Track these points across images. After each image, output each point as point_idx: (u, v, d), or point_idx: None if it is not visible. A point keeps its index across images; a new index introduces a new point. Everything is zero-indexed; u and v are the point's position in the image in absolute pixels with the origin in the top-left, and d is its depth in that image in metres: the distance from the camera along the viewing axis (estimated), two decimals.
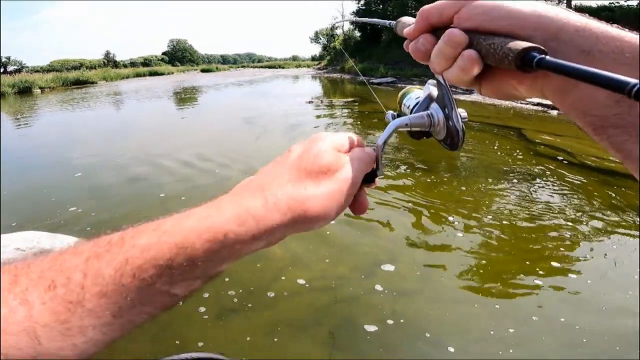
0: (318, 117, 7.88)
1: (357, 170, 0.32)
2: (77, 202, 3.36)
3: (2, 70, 38.39)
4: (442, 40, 0.28)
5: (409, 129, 0.37)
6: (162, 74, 42.49)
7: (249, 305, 1.91)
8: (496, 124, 6.36)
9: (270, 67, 56.28)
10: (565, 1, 14.92)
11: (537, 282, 2.05)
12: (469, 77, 0.29)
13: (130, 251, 0.24)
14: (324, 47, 39.83)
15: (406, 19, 0.38)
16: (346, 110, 8.90)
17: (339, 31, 35.45)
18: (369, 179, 0.35)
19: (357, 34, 30.87)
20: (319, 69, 35.29)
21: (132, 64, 55.55)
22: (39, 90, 21.87)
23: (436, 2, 0.31)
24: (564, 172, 3.81)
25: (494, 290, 2.01)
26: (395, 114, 0.40)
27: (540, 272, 2.14)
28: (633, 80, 0.17)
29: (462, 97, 10.39)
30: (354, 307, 1.89)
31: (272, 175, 0.31)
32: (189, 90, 17.68)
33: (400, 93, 0.43)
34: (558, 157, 4.31)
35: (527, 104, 9.11)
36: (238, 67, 65.95)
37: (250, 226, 0.26)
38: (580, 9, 14.49)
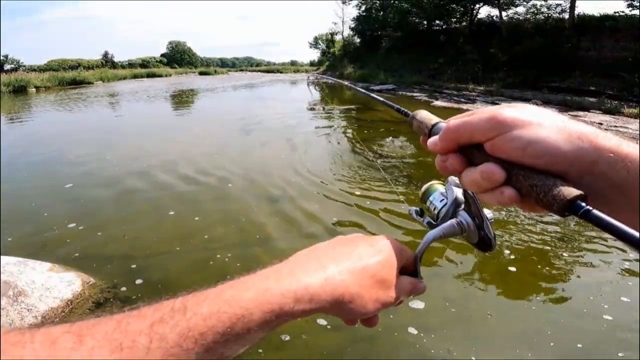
0: (317, 127, 7.59)
1: (398, 296, 0.35)
2: (62, 221, 3.02)
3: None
4: (479, 173, 0.28)
5: (443, 238, 0.38)
6: (159, 75, 42.15)
7: (260, 350, 1.64)
8: None
9: (268, 71, 56.16)
10: (568, 10, 14.82)
11: None
12: (503, 205, 0.29)
13: (193, 319, 0.26)
14: (323, 53, 39.75)
15: (424, 116, 0.37)
16: (345, 119, 8.66)
17: (338, 37, 35.40)
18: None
19: (357, 40, 30.77)
20: (318, 74, 35.13)
21: (131, 64, 55.13)
22: (34, 90, 21.47)
23: (466, 121, 0.29)
24: None
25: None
26: (418, 209, 0.42)
27: None
28: None
29: (465, 107, 10.18)
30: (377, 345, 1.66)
31: (332, 256, 0.33)
32: (185, 93, 17.37)
33: (424, 189, 0.42)
34: None
35: None
36: (237, 71, 65.75)
37: (305, 303, 0.29)
38: (583, 19, 14.40)
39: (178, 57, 69.88)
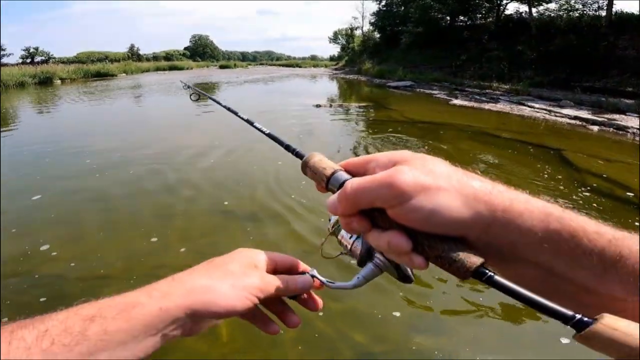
0: (332, 120, 7.28)
1: (262, 282, 0.36)
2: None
3: (28, 60, 39.44)
4: (386, 243, 0.28)
5: (364, 284, 0.37)
6: (181, 68, 42.86)
7: None
8: (531, 142, 5.56)
9: (288, 65, 55.99)
10: (605, 8, 13.79)
11: None
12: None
13: (50, 323, 0.28)
14: (343, 48, 39.17)
15: (317, 164, 0.35)
16: (362, 116, 8.27)
17: (358, 32, 34.71)
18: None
19: (377, 35, 30.06)
20: (335, 69, 34.76)
21: (155, 57, 56.34)
22: (59, 81, 22.18)
23: (365, 187, 0.29)
24: (622, 213, 3.10)
25: None
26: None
27: None
28: (570, 313, 0.22)
29: (487, 106, 9.61)
30: None
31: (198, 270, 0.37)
32: (199, 87, 17.42)
33: (332, 221, 0.39)
34: (614, 194, 3.56)
35: (561, 116, 8.24)
36: (257, 65, 66.02)
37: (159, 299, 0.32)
38: (621, 17, 13.36)
39: (200, 51, 70.94)
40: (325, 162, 0.35)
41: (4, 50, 36.90)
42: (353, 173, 0.33)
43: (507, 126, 7.08)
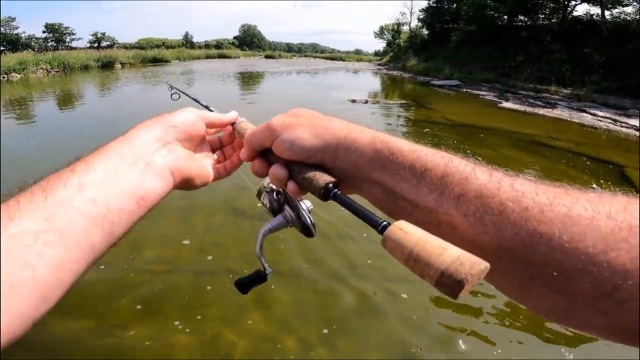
0: (368, 115, 7.15)
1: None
2: None
3: (96, 45, 42.75)
4: (270, 175, 0.36)
5: (273, 231, 0.42)
6: (229, 57, 44.32)
7: None
8: (588, 155, 5.05)
9: (331, 58, 55.68)
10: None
11: None
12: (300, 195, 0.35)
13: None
14: (388, 43, 38.14)
15: (245, 125, 0.44)
16: (399, 115, 8.03)
17: (405, 28, 33.55)
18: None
19: (425, 32, 28.83)
20: (379, 64, 33.99)
21: (206, 45, 58.76)
22: (119, 66, 23.93)
23: (254, 132, 0.37)
24: None
25: None
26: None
27: None
28: (380, 220, 0.26)
29: (542, 112, 8.87)
30: None
31: None
32: (247, 76, 17.89)
33: (258, 188, 0.46)
34: None
35: (627, 127, 7.37)
36: (301, 56, 66.49)
37: None
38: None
39: (248, 40, 72.78)
40: (247, 124, 0.44)
41: (74, 34, 40.25)
42: None
43: (563, 134, 6.46)
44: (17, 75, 15.96)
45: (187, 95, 0.58)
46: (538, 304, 0.25)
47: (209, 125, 0.43)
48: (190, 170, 0.38)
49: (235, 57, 44.97)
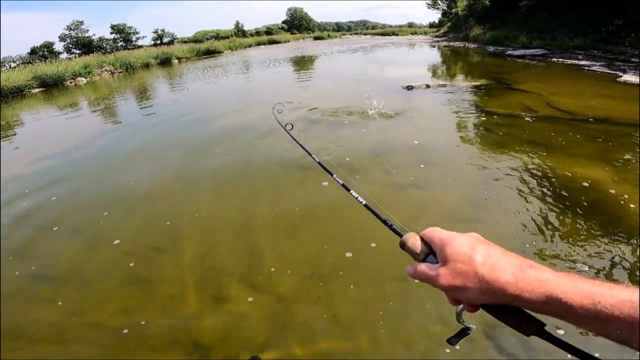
0: (431, 110, 6.05)
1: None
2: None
3: (158, 42, 45.27)
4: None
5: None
6: (279, 42, 44.14)
7: None
8: None
9: (383, 34, 52.47)
10: None
11: None
12: None
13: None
14: (444, 14, 34.42)
15: (412, 245, 0.51)
16: (477, 107, 5.91)
17: None
18: None
19: None
20: (436, 36, 30.92)
21: (257, 33, 59.35)
22: (176, 61, 24.92)
23: (457, 287, 0.43)
24: None
25: None
26: None
27: None
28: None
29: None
30: None
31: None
32: (297, 60, 17.29)
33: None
34: None
35: None
36: (351, 34, 63.85)
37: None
38: None
39: (297, 23, 71.88)
40: (417, 243, 0.49)
41: (137, 33, 43.02)
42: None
43: None
44: (83, 79, 16.87)
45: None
46: None
47: None
48: None
49: (285, 42, 44.63)
